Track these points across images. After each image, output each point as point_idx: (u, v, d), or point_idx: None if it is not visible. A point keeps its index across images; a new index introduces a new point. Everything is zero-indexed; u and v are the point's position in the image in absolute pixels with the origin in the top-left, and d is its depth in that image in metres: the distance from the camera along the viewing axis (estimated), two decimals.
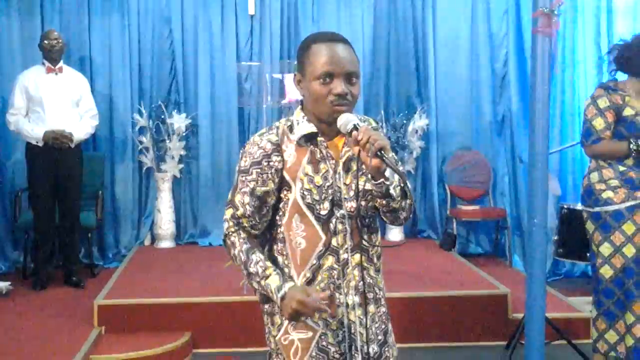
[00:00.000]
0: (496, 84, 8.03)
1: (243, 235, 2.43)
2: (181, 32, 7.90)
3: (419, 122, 7.85)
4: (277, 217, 2.45)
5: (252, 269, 2.37)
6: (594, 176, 4.49)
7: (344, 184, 2.39)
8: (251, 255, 2.39)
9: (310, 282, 2.40)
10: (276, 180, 2.40)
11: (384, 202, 2.32)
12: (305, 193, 2.37)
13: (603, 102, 4.45)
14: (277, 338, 2.48)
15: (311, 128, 2.40)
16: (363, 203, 2.40)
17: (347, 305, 2.41)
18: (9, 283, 6.49)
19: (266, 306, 2.51)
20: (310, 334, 2.41)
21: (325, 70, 2.32)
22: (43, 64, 6.63)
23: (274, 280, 2.34)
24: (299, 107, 2.49)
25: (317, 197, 2.37)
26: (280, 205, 2.44)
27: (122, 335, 5.42)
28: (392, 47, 8.11)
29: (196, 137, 7.95)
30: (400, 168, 2.28)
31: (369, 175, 2.31)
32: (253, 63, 7.79)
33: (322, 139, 2.40)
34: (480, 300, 5.75)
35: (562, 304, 6.06)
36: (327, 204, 2.37)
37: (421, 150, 7.99)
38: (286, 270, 2.43)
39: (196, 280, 6.22)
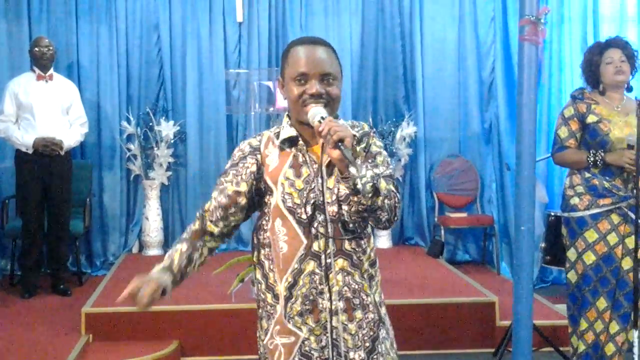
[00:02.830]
0: (483, 91, 8.05)
1: (195, 226, 2.51)
2: (169, 39, 7.90)
3: (406, 129, 7.86)
4: (264, 222, 2.46)
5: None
6: (567, 182, 4.59)
7: (327, 188, 2.39)
8: (176, 244, 2.49)
9: (292, 286, 2.40)
10: (250, 181, 2.43)
11: (355, 199, 2.31)
12: (286, 197, 2.38)
13: (568, 112, 4.56)
14: (264, 342, 2.51)
15: (292, 132, 2.43)
16: (346, 207, 2.39)
17: (331, 310, 2.41)
18: None
19: (259, 311, 2.54)
20: (292, 338, 2.42)
21: (300, 71, 2.36)
22: (33, 70, 6.63)
23: (156, 268, 2.43)
24: (286, 113, 2.52)
25: (298, 201, 2.37)
26: (265, 210, 2.45)
27: (110, 343, 5.41)
28: (380, 54, 8.13)
29: (184, 144, 7.94)
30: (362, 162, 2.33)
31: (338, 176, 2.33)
32: (241, 70, 7.80)
33: (302, 143, 2.42)
34: (467, 307, 5.76)
35: (550, 311, 6.08)
36: (308, 208, 2.37)
37: (409, 158, 8.01)
38: (271, 274, 2.44)
39: (184, 288, 6.12)
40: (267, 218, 2.44)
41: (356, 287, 2.43)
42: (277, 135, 2.47)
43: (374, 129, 7.73)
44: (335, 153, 2.20)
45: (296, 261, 2.39)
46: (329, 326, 2.41)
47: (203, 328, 5.55)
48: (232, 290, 5.54)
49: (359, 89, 8.09)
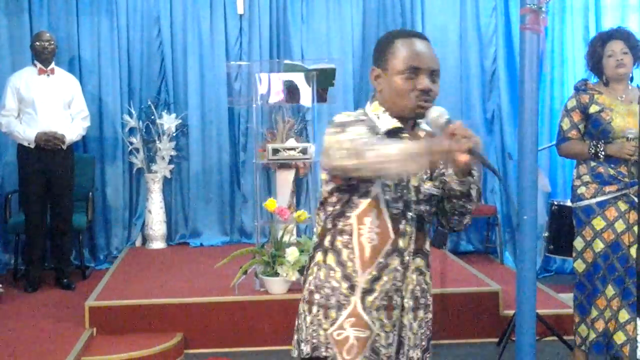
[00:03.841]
0: (485, 81, 8.03)
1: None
2: (170, 32, 7.89)
3: None
4: (348, 209, 2.37)
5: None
6: (574, 172, 4.61)
7: (413, 186, 2.37)
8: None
9: (375, 280, 2.36)
10: None
11: (461, 202, 2.33)
12: (386, 189, 2.33)
13: (571, 103, 4.58)
14: (328, 332, 2.38)
15: (396, 123, 2.37)
16: (428, 207, 2.40)
17: (403, 308, 2.41)
18: (0, 285, 6.47)
19: (316, 296, 2.41)
20: (367, 332, 2.37)
21: (411, 65, 2.32)
22: (34, 65, 6.62)
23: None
24: (374, 101, 2.45)
25: (393, 195, 2.34)
26: (354, 196, 2.36)
27: (114, 336, 5.41)
28: None
29: (186, 137, 7.94)
30: None
31: (453, 178, 2.33)
32: (242, 62, 7.79)
33: (406, 135, 2.38)
34: (471, 297, 5.76)
35: (553, 300, 6.08)
36: (400, 204, 2.35)
37: None
38: (350, 264, 2.37)
39: (187, 281, 6.22)
40: (352, 205, 2.36)
41: (425, 287, 2.46)
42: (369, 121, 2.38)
43: None
44: (466, 157, 2.14)
45: (382, 255, 2.36)
46: (398, 324, 2.40)
47: (206, 320, 5.55)
48: (236, 282, 5.54)
49: (360, 79, 8.07)
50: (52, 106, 6.53)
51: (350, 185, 2.35)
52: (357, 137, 2.19)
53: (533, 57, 4.31)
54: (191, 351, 5.48)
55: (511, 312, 5.20)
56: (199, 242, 7.98)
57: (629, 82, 4.57)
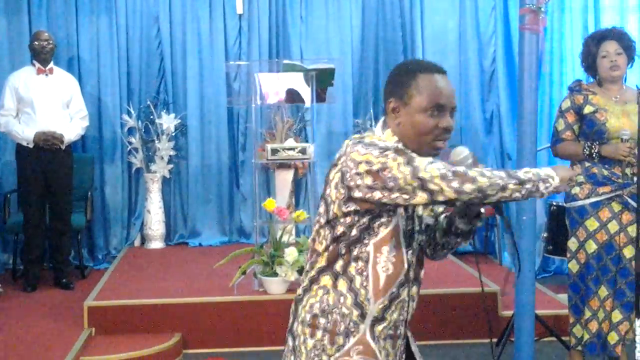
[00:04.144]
0: (485, 81, 8.03)
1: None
2: (169, 31, 7.89)
3: None
4: (366, 235, 2.31)
5: (523, 176, 2.18)
6: None
7: (417, 216, 2.39)
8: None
9: (386, 309, 2.34)
10: None
11: (458, 240, 2.34)
12: (402, 219, 2.32)
13: (565, 104, 4.57)
14: (332, 358, 2.33)
15: None
16: (425, 237, 2.41)
17: (406, 337, 2.45)
18: None
19: (322, 321, 2.35)
20: None
21: (437, 103, 2.30)
22: (33, 64, 6.62)
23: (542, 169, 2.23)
24: (386, 128, 2.41)
25: (406, 226, 2.34)
26: (375, 224, 2.31)
27: (113, 336, 5.41)
28: (381, 45, 8.10)
29: (185, 137, 7.94)
30: None
31: (455, 215, 2.35)
32: (241, 62, 7.79)
33: None
34: (470, 297, 5.75)
35: (552, 300, 6.08)
36: (408, 234, 2.36)
37: None
38: (363, 291, 2.32)
39: (186, 281, 6.22)
40: (372, 232, 2.30)
41: (413, 312, 2.47)
42: None
43: (370, 123, 7.70)
44: (489, 210, 2.23)
45: (396, 285, 2.34)
46: (398, 353, 2.42)
47: (205, 321, 5.55)
48: (234, 282, 5.54)
49: (359, 79, 8.08)
50: (50, 106, 6.52)
51: (372, 211, 2.30)
52: (441, 165, 2.21)
53: (532, 57, 4.32)
54: (190, 351, 5.48)
55: (510, 312, 5.20)
56: (198, 242, 7.98)
57: (623, 82, 4.57)
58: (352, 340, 2.33)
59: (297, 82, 5.96)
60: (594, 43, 4.54)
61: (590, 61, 4.56)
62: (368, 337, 2.34)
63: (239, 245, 7.39)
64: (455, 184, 2.13)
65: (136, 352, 5.13)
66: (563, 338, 5.19)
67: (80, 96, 6.84)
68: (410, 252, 2.36)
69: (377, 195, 2.20)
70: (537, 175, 2.16)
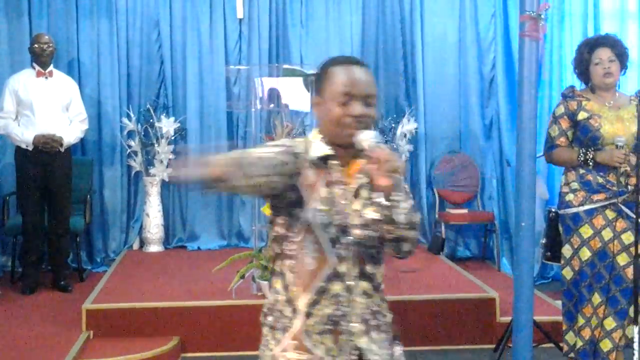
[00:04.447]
0: (484, 87, 8.05)
1: None
2: (169, 35, 7.90)
3: (407, 125, 7.86)
4: (292, 234, 2.39)
5: None
6: (563, 179, 4.60)
7: (354, 210, 2.37)
8: None
9: (314, 304, 2.36)
10: (279, 178, 2.30)
11: (390, 227, 2.31)
12: (318, 213, 2.33)
13: (559, 110, 4.57)
14: (273, 352, 2.44)
15: (327, 150, 2.38)
16: (370, 232, 2.38)
17: (352, 333, 2.39)
18: None
19: (269, 319, 2.48)
20: (307, 356, 2.38)
21: (344, 92, 2.32)
22: (33, 67, 6.63)
23: None
24: (315, 129, 2.47)
25: (327, 220, 2.33)
26: (293, 222, 2.38)
27: (111, 339, 5.41)
28: (380, 50, 8.12)
29: (185, 140, 7.93)
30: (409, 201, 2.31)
31: (380, 200, 2.29)
32: (241, 67, 7.80)
33: (336, 162, 2.39)
34: (468, 303, 5.76)
35: (550, 307, 6.08)
36: (333, 229, 2.35)
37: (410, 154, 8.00)
38: (293, 288, 2.39)
39: (185, 285, 6.22)
40: (296, 230, 2.38)
41: (376, 309, 2.43)
42: (306, 149, 2.41)
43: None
44: (385, 180, 2.19)
45: (322, 280, 2.36)
46: (346, 348, 2.39)
47: (204, 324, 5.55)
48: (233, 286, 5.54)
49: None
50: (50, 108, 6.52)
51: (284, 208, 2.38)
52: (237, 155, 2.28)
53: (532, 63, 4.33)
54: (188, 355, 5.49)
55: (508, 318, 5.20)
56: (197, 246, 7.97)
57: (616, 88, 4.58)
58: (288, 335, 2.40)
59: (297, 86, 5.96)
60: (586, 50, 4.54)
61: (583, 68, 4.57)
62: (301, 333, 2.38)
63: (237, 249, 7.40)
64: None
65: (134, 356, 5.13)
66: (561, 344, 5.19)
67: (79, 99, 6.84)
68: (342, 246, 2.36)
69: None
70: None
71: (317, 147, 2.39)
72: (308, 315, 2.37)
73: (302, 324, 2.38)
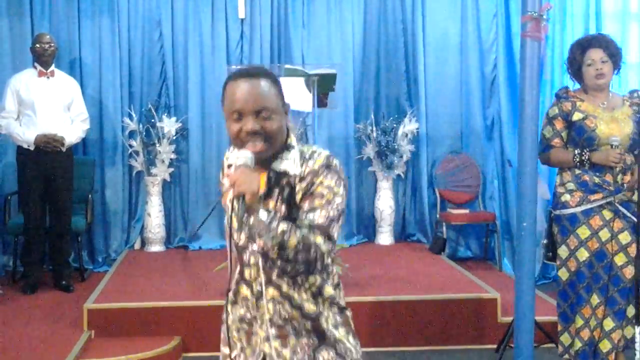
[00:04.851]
0: (486, 87, 8.05)
1: None
2: (171, 35, 7.90)
3: (409, 125, 7.86)
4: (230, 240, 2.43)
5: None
6: (557, 179, 4.57)
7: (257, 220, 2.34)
8: None
9: (233, 303, 2.48)
10: None
11: (259, 247, 2.28)
12: (230, 220, 2.29)
13: (552, 111, 4.55)
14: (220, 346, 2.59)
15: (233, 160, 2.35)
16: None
17: (262, 337, 2.41)
18: None
19: None
20: (227, 350, 2.49)
21: (234, 109, 2.32)
22: (35, 67, 6.63)
23: None
24: None
25: (235, 227, 2.29)
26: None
27: (112, 339, 5.42)
28: (382, 50, 8.12)
29: (186, 140, 7.94)
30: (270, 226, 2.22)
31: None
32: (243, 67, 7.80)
33: None
34: (469, 304, 5.75)
35: (551, 307, 6.03)
36: (242, 236, 2.39)
37: (411, 154, 8.01)
38: (227, 287, 2.50)
39: (186, 284, 6.22)
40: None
41: (287, 315, 2.40)
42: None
43: (371, 128, 7.72)
44: (225, 198, 2.22)
45: (235, 282, 2.47)
46: (257, 350, 2.43)
47: (205, 324, 5.54)
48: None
49: (360, 85, 8.09)
50: (51, 108, 6.53)
51: None
52: None
53: (534, 64, 4.33)
54: (189, 354, 5.49)
55: (509, 318, 5.20)
56: (198, 246, 7.97)
57: (609, 88, 4.57)
58: (222, 328, 2.52)
59: (299, 86, 5.96)
60: (579, 50, 4.53)
61: (575, 68, 4.55)
62: (224, 327, 2.50)
63: None
64: None
65: (135, 355, 5.13)
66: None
67: (81, 99, 6.85)
68: (248, 252, 2.40)
69: None
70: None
71: (231, 156, 2.37)
72: (228, 313, 2.48)
73: (225, 320, 2.50)
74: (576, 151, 4.41)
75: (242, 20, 7.95)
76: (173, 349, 5.33)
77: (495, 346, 5.42)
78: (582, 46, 4.53)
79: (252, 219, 2.20)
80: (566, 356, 4.53)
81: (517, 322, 4.53)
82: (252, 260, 2.39)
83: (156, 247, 7.80)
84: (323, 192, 2.32)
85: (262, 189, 2.32)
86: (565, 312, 4.53)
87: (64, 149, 6.52)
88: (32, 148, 6.43)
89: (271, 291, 2.39)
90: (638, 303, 4.08)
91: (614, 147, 4.31)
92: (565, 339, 4.53)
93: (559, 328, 4.57)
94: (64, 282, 6.67)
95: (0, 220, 7.26)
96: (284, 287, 2.39)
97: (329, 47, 8.01)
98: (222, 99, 2.40)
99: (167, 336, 5.46)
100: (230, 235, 2.31)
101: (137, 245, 7.95)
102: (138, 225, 7.95)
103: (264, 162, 2.37)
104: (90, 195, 7.27)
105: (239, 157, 2.27)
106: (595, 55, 4.45)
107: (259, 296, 2.39)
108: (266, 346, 2.41)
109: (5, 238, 7.40)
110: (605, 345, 4.37)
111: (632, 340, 4.18)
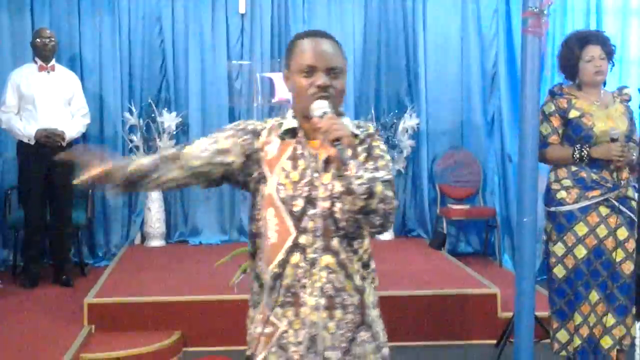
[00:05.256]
0: (486, 83, 8.05)
1: (169, 152, 2.47)
2: (171, 30, 7.90)
3: (409, 121, 7.87)
4: (256, 212, 2.45)
5: None
6: (551, 175, 4.49)
7: (322, 183, 2.37)
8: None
9: (277, 276, 2.38)
10: (234, 158, 2.41)
11: (349, 199, 2.27)
12: (280, 187, 2.37)
13: (548, 108, 4.47)
14: (250, 331, 2.50)
15: (293, 123, 2.43)
16: (339, 205, 2.36)
17: (311, 306, 2.38)
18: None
19: (249, 302, 2.53)
20: (271, 328, 2.40)
21: (308, 64, 2.36)
22: (35, 62, 6.63)
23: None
24: (291, 105, 2.51)
25: (291, 193, 2.36)
26: (258, 200, 2.44)
27: (112, 333, 5.42)
28: (383, 46, 8.12)
29: (186, 135, 7.94)
30: (373, 172, 2.28)
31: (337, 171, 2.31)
32: (243, 62, 7.80)
33: (302, 135, 2.42)
34: (470, 299, 5.76)
35: None
36: (300, 201, 2.36)
37: (411, 150, 8.01)
38: (259, 263, 2.45)
39: (186, 279, 6.23)
40: (259, 207, 2.44)
41: (339, 285, 2.39)
42: (280, 125, 2.47)
43: (379, 132, 7.73)
44: (332, 151, 2.21)
45: (283, 252, 2.38)
46: (307, 321, 2.38)
47: (205, 319, 5.56)
48: (235, 281, 5.55)
49: (361, 81, 8.09)
50: (52, 103, 6.53)
51: (247, 187, 2.47)
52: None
53: (535, 60, 4.32)
54: (190, 349, 5.50)
55: (509, 314, 5.21)
56: (198, 241, 7.98)
57: (602, 86, 4.55)
58: (257, 310, 2.46)
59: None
60: (577, 45, 4.46)
61: (572, 63, 4.47)
62: (265, 306, 2.42)
63: (239, 244, 7.37)
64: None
65: (136, 350, 5.14)
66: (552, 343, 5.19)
67: (81, 94, 6.85)
68: (306, 218, 2.37)
69: None
70: None
71: (287, 121, 2.45)
72: (271, 288, 2.40)
73: (265, 298, 2.42)
74: (576, 147, 4.38)
75: (242, 15, 7.95)
76: (173, 344, 5.34)
77: (495, 341, 5.43)
78: (581, 42, 4.48)
79: (350, 164, 2.23)
80: (563, 353, 4.51)
81: (517, 318, 4.53)
82: (311, 225, 2.37)
83: (156, 242, 7.80)
84: (381, 154, 2.44)
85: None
86: (562, 309, 4.49)
87: (64, 144, 6.51)
88: (32, 143, 6.43)
89: (327, 258, 2.38)
90: (638, 299, 4.07)
91: (613, 139, 4.29)
92: (562, 336, 4.50)
93: (555, 325, 4.53)
94: (64, 277, 6.67)
95: (0, 215, 7.27)
96: (342, 255, 2.39)
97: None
98: (288, 56, 2.46)
99: (168, 331, 5.46)
100: (284, 203, 2.36)
101: (137, 240, 7.95)
102: (138, 220, 7.96)
103: None
104: (90, 190, 7.26)
105: (319, 107, 2.31)
106: (595, 51, 4.42)
107: (313, 263, 2.37)
108: (315, 315, 2.37)
109: (6, 233, 7.41)
110: (606, 342, 4.35)
111: None
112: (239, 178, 2.46)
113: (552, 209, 4.46)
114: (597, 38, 4.49)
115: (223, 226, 8.10)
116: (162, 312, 5.57)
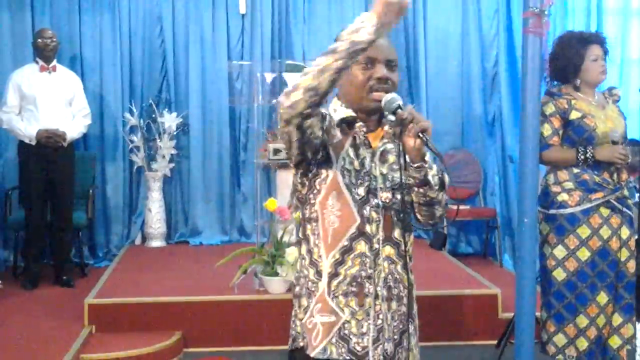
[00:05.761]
0: (487, 83, 8.04)
1: None
2: (172, 30, 7.90)
3: None
4: (312, 195, 2.42)
5: (335, 44, 2.31)
6: (550, 178, 4.44)
7: (380, 174, 2.39)
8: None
9: (339, 263, 2.36)
10: (322, 133, 2.35)
11: (421, 190, 2.33)
12: (345, 173, 2.36)
13: (549, 109, 4.41)
14: (302, 321, 2.42)
15: (350, 112, 2.42)
16: (399, 196, 2.39)
17: (377, 296, 2.38)
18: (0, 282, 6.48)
19: (296, 289, 2.47)
20: (333, 318, 2.36)
21: (368, 55, 2.35)
22: (36, 62, 6.63)
23: None
24: (335, 97, 2.50)
25: (354, 180, 2.36)
26: (317, 183, 2.41)
27: (113, 334, 5.42)
28: None
29: (187, 136, 7.95)
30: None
31: (409, 165, 2.33)
32: (244, 62, 7.80)
33: (361, 124, 2.41)
34: (470, 299, 5.76)
35: None
36: (362, 190, 2.36)
37: None
38: (315, 249, 2.40)
39: (187, 280, 6.23)
40: (315, 191, 2.41)
41: (398, 277, 2.42)
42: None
43: None
44: (415, 142, 2.24)
45: (347, 238, 2.36)
46: (372, 312, 2.37)
47: (206, 319, 5.56)
48: (235, 281, 5.55)
49: None
50: (53, 103, 6.53)
51: (309, 169, 2.42)
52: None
53: (535, 60, 4.31)
54: (190, 350, 5.49)
55: (510, 314, 5.20)
56: (199, 241, 7.98)
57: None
58: (314, 299, 2.40)
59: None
60: (580, 45, 4.43)
61: (575, 63, 4.40)
62: (325, 294, 2.37)
63: (239, 244, 7.39)
64: (285, 102, 2.22)
65: (136, 350, 5.14)
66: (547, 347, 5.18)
67: (82, 94, 6.85)
68: (368, 208, 2.37)
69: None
70: (350, 29, 2.27)
71: (341, 111, 2.44)
72: (332, 276, 2.37)
73: (326, 286, 2.38)
74: (580, 149, 4.35)
75: (242, 15, 7.95)
76: (174, 344, 5.34)
77: (495, 342, 5.43)
78: (583, 41, 4.46)
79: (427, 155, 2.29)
80: (560, 357, 4.48)
81: (517, 318, 4.51)
82: (374, 215, 2.38)
83: (157, 243, 7.81)
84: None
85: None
86: (560, 312, 4.45)
87: (65, 144, 6.52)
88: (33, 143, 6.44)
89: (388, 249, 2.40)
90: (638, 298, 4.06)
91: (614, 141, 4.27)
92: (559, 340, 4.46)
93: (552, 329, 4.48)
94: (64, 277, 6.67)
95: (1, 215, 7.27)
96: (402, 246, 2.42)
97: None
98: None
99: (168, 331, 5.46)
100: (349, 189, 2.36)
101: (137, 241, 7.95)
102: (139, 221, 7.96)
103: (370, 114, 2.43)
104: (91, 191, 7.27)
105: (394, 99, 2.31)
106: (598, 51, 4.41)
107: (377, 253, 2.38)
108: (380, 307, 2.38)
109: (6, 233, 7.42)
110: (615, 341, 4.33)
111: None
112: (312, 153, 2.39)
113: (552, 211, 4.41)
114: (599, 38, 4.47)
115: (223, 227, 8.10)
116: (162, 312, 5.57)
